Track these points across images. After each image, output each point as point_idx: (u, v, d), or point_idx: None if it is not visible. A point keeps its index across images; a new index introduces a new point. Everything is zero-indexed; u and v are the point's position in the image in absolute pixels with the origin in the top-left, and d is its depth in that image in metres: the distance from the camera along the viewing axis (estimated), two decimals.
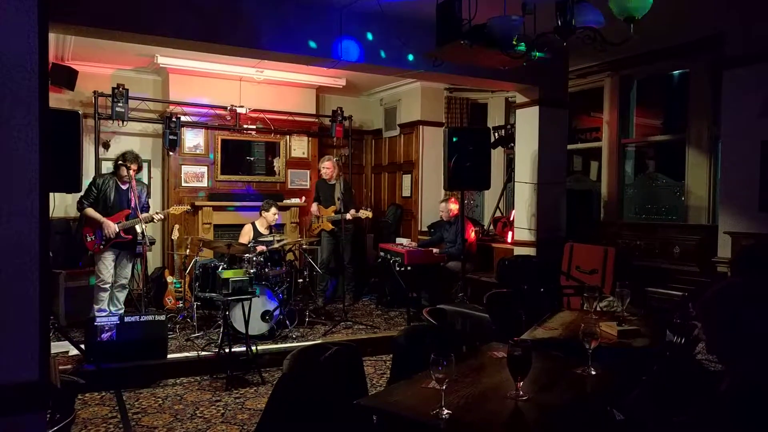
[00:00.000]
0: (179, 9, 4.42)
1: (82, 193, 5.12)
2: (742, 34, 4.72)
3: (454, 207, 6.60)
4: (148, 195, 5.83)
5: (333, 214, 6.64)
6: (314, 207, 7.03)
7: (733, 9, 4.69)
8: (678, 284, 5.17)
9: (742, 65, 4.66)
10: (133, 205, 5.39)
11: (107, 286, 5.38)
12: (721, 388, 1.63)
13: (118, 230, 5.26)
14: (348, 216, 6.57)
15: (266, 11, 4.74)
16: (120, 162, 5.38)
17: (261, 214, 6.30)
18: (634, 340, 2.90)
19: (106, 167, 6.33)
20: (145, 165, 7.26)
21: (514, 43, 3.29)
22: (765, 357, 1.59)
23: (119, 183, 5.41)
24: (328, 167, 6.80)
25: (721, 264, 4.77)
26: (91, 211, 5.25)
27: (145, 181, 7.21)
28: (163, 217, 5.69)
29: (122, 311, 5.43)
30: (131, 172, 5.34)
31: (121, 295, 5.53)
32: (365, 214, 6.67)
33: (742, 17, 4.70)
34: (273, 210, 6.26)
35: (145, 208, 5.49)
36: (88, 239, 5.26)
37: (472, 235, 6.64)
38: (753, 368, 1.61)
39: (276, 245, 5.86)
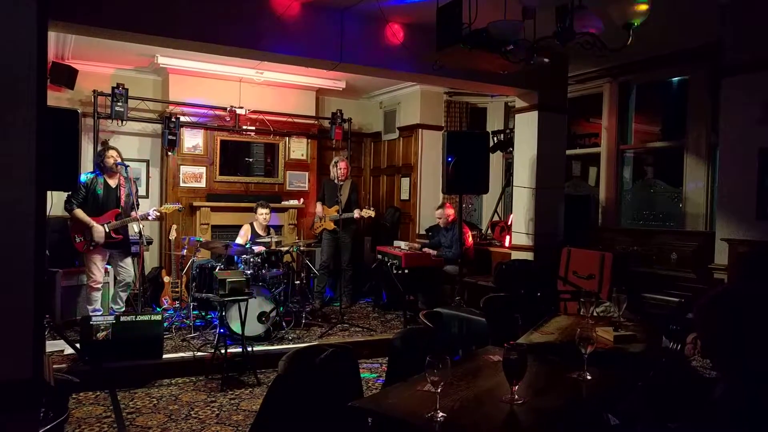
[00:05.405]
0: (180, 9, 4.42)
1: (69, 192, 5.09)
2: (741, 41, 4.74)
3: (450, 212, 6.63)
4: (138, 192, 5.78)
5: (336, 214, 6.62)
6: (318, 207, 7.03)
7: (733, 16, 4.71)
8: (675, 290, 5.16)
9: (742, 73, 4.67)
10: (122, 204, 5.37)
11: (99, 285, 5.36)
12: (715, 394, 1.63)
13: (107, 231, 5.23)
14: (355, 214, 6.58)
15: (267, 12, 4.75)
16: (103, 150, 5.38)
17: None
18: (630, 346, 2.90)
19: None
20: (143, 165, 7.28)
21: (514, 47, 3.29)
22: (761, 363, 1.59)
23: (108, 180, 5.36)
24: (343, 167, 6.72)
25: (717, 271, 4.76)
26: (79, 213, 5.18)
27: (143, 180, 7.22)
28: (159, 214, 5.65)
29: (123, 310, 5.42)
30: (115, 159, 5.29)
31: (125, 294, 5.51)
32: (368, 213, 6.67)
33: (741, 25, 4.72)
34: (260, 210, 6.22)
35: (134, 206, 5.36)
36: (77, 240, 5.23)
37: (470, 239, 6.65)
38: (749, 374, 1.61)
39: (273, 246, 5.85)
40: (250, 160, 7.67)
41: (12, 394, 1.53)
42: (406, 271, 6.07)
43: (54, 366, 4.02)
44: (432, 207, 7.38)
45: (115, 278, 5.62)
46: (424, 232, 7.59)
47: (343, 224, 6.54)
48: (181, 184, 7.14)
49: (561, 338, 3.04)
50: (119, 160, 5.34)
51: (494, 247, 7.01)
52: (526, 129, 6.21)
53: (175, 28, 4.44)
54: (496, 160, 7.50)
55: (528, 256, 6.06)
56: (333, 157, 7.08)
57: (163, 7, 4.37)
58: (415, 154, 8.11)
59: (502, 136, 7.26)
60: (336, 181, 6.74)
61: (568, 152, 6.69)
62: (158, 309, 6.19)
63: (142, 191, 7.12)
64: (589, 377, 2.35)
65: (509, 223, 6.69)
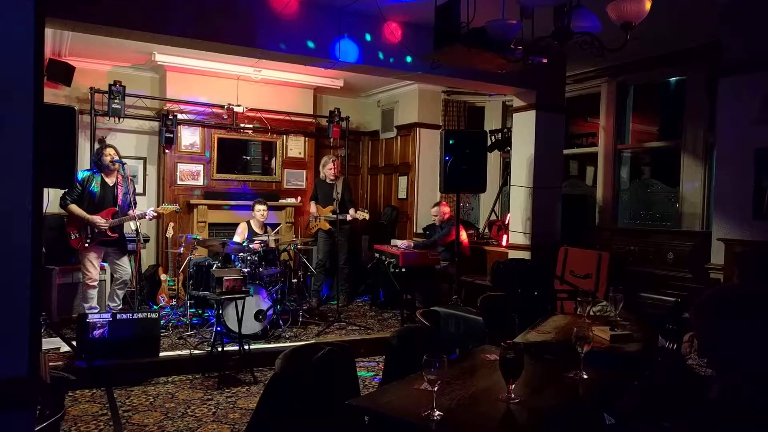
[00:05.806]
0: (178, 7, 4.41)
1: (65, 189, 5.08)
2: (738, 42, 4.74)
3: (446, 210, 6.65)
4: (135, 191, 5.76)
5: (330, 214, 6.62)
6: (312, 207, 7.02)
7: (731, 17, 4.72)
8: (671, 290, 5.18)
9: (739, 73, 4.68)
10: (119, 202, 5.36)
11: (95, 283, 5.35)
12: (711, 393, 1.63)
13: (107, 226, 5.22)
14: (348, 216, 6.57)
15: (264, 10, 4.74)
16: (100, 148, 5.39)
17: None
18: (626, 345, 2.91)
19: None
20: (140, 162, 7.27)
21: (512, 46, 3.30)
22: (758, 363, 1.60)
23: (105, 179, 5.35)
24: (332, 168, 6.77)
25: (714, 270, 4.78)
26: (74, 208, 5.17)
27: (140, 178, 7.20)
28: (155, 214, 5.64)
29: (119, 307, 5.41)
30: (112, 156, 5.28)
31: (121, 292, 5.50)
32: (362, 215, 6.64)
33: (739, 25, 4.73)
34: (258, 207, 6.24)
35: (131, 205, 5.32)
36: (72, 237, 5.21)
37: (464, 236, 6.63)
38: (746, 374, 1.61)
39: (271, 244, 5.85)
40: (248, 158, 7.66)
41: (8, 391, 1.53)
42: (404, 269, 6.07)
43: (50, 363, 4.01)
44: (429, 206, 7.38)
45: (112, 276, 5.61)
46: (422, 231, 7.60)
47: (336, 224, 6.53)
48: (178, 182, 7.13)
49: (558, 337, 3.04)
50: (116, 158, 5.33)
51: (491, 246, 7.01)
52: (524, 128, 6.21)
53: (172, 25, 4.43)
54: (493, 159, 7.51)
55: (525, 255, 6.06)
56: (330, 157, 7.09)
57: (161, 4, 4.36)
58: (412, 152, 8.11)
59: (499, 135, 7.27)
60: (327, 180, 6.76)
61: (566, 152, 6.70)
62: (155, 307, 6.18)
63: (139, 189, 7.10)
64: (585, 376, 2.36)
65: (506, 222, 6.70)
